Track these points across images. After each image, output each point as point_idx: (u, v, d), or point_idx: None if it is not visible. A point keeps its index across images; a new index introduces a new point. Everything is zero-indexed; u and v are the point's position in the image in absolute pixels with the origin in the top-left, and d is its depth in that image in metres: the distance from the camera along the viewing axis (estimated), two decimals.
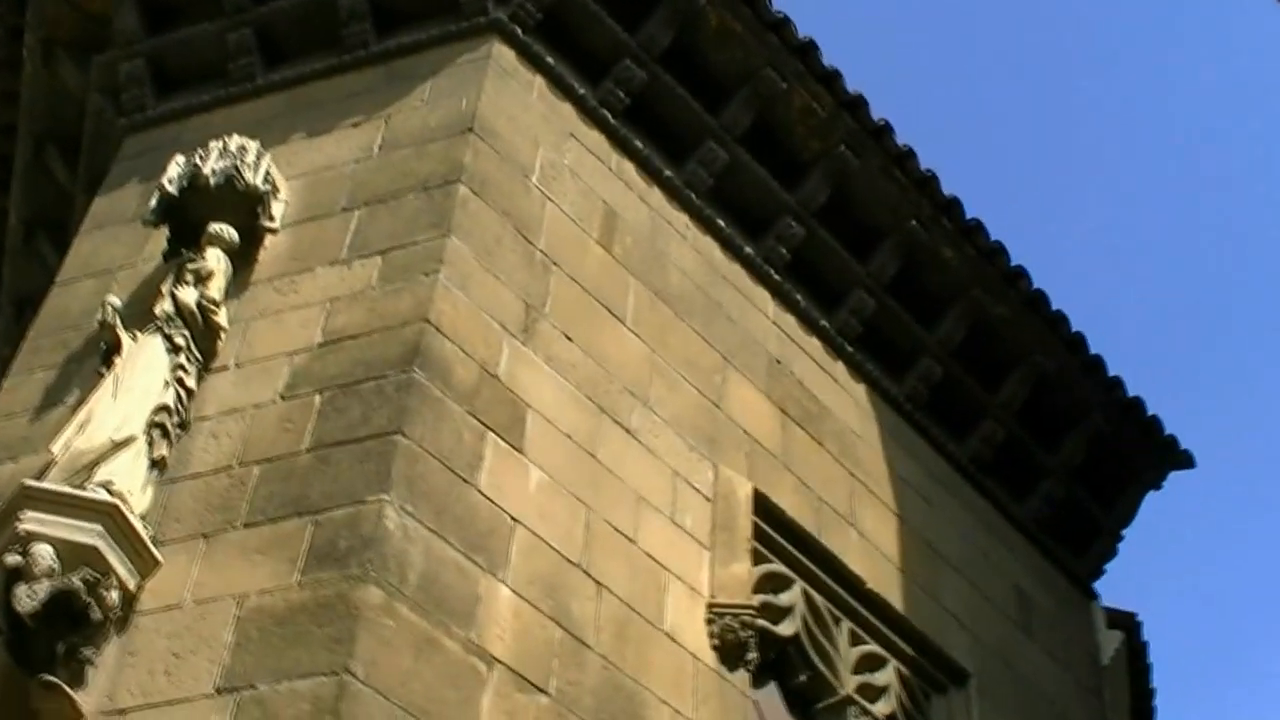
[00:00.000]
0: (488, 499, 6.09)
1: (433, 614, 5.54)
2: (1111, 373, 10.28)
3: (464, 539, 5.86)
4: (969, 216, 9.58)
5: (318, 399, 6.20)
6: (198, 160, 7.14)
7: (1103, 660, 10.06)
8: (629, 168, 8.25)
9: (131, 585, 5.62)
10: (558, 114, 7.99)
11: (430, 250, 6.67)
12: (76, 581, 5.38)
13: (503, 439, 6.34)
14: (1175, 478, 10.70)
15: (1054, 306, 9.98)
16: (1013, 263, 9.77)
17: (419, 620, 5.48)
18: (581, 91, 8.18)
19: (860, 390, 9.09)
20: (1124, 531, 10.55)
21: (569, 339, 7.05)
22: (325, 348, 6.43)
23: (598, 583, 6.41)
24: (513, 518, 6.16)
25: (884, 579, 8.21)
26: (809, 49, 8.89)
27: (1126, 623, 10.51)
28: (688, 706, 6.51)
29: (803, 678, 7.55)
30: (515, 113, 7.66)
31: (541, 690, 5.83)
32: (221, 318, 6.65)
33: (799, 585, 7.67)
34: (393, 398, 6.05)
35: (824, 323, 9.02)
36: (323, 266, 6.87)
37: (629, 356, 7.37)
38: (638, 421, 7.17)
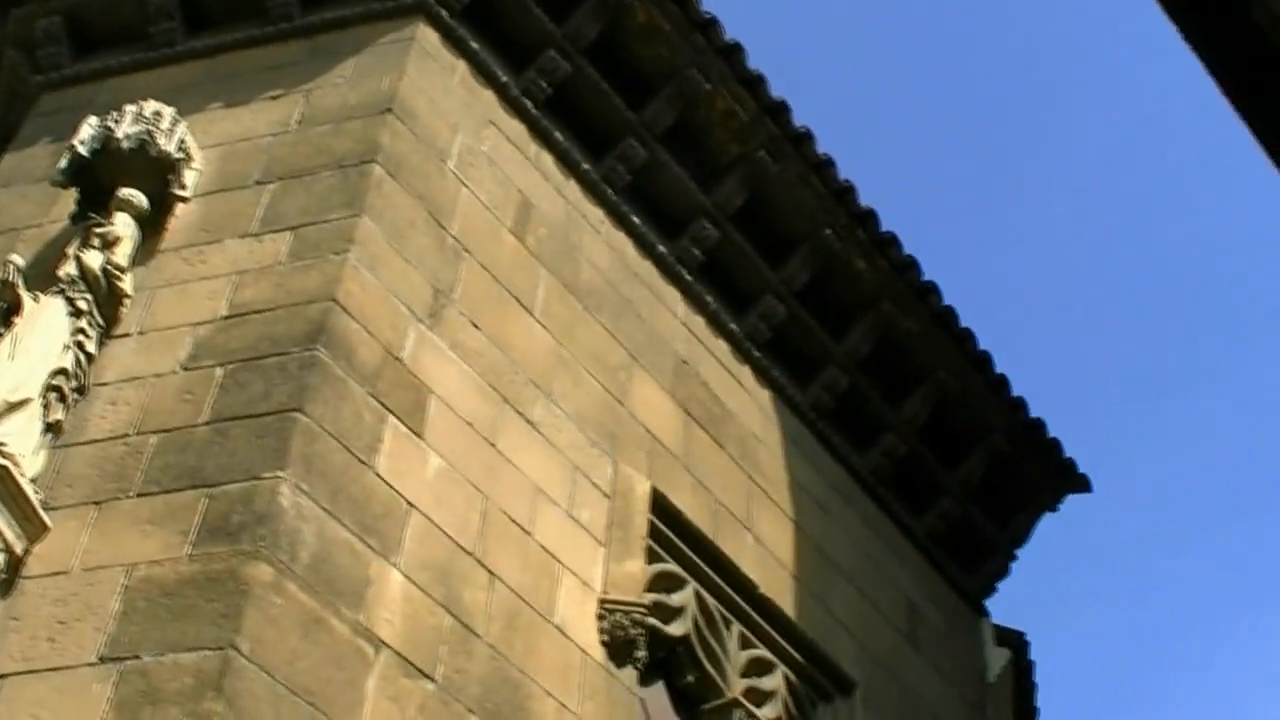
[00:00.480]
0: (385, 482, 6.06)
1: (322, 594, 5.50)
2: (1015, 394, 10.40)
3: (358, 521, 5.82)
4: (884, 229, 9.66)
5: (219, 372, 6.13)
6: (112, 123, 7.03)
7: (989, 677, 10.16)
8: (547, 159, 8.24)
9: (18, 549, 5.54)
10: (479, 100, 7.96)
11: (341, 229, 6.62)
12: None
13: (403, 423, 6.31)
14: (1072, 501, 10.86)
15: (962, 324, 10.08)
16: (924, 278, 9.86)
17: (308, 600, 5.44)
18: (504, 79, 8.15)
19: (765, 395, 9.13)
20: (1018, 551, 10.68)
21: (476, 327, 7.02)
22: (230, 321, 6.37)
23: (490, 572, 6.39)
24: (409, 502, 6.13)
25: (777, 584, 8.26)
26: (734, 51, 8.92)
27: (1015, 641, 10.62)
28: (574, 701, 6.51)
29: (690, 678, 7.56)
30: (436, 96, 7.63)
31: (428, 677, 5.81)
32: (126, 284, 6.55)
33: (692, 586, 7.69)
34: (295, 375, 6.00)
35: (733, 326, 9.06)
36: (232, 239, 6.79)
37: (535, 348, 7.35)
38: (540, 414, 7.16)
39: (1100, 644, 43.88)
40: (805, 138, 9.26)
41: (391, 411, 6.27)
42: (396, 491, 6.09)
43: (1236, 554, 43.56)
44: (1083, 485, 10.68)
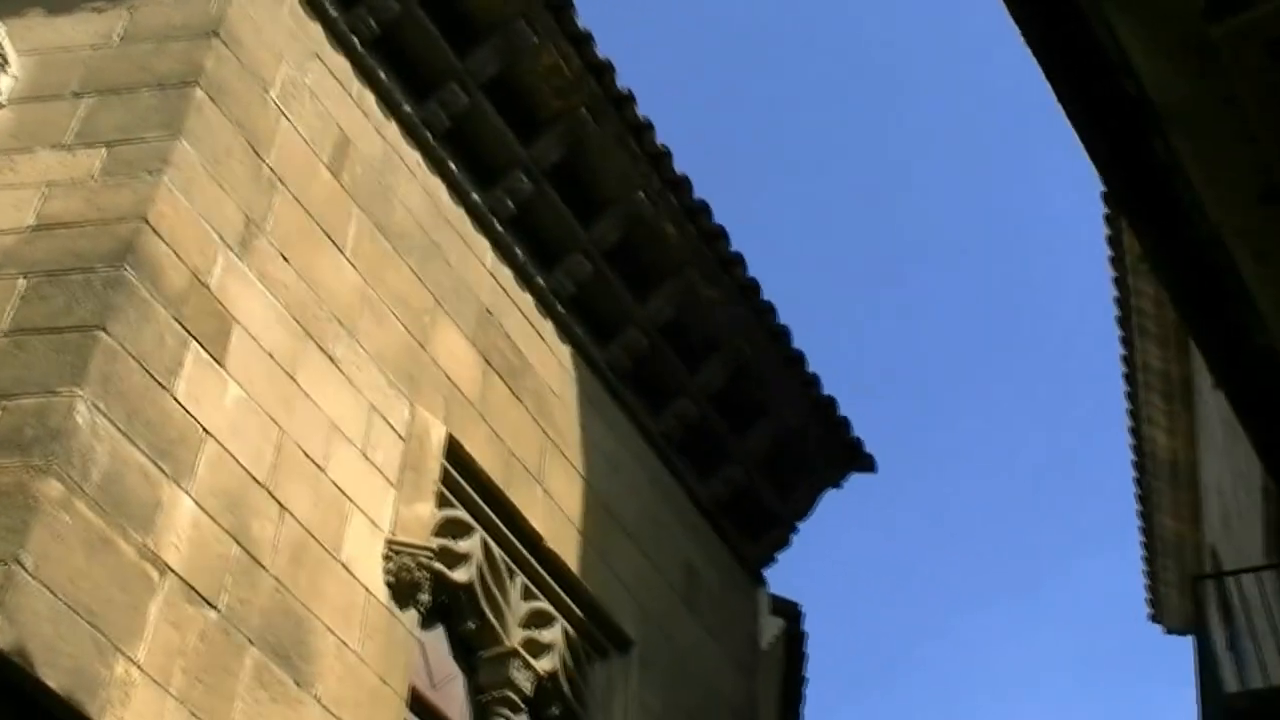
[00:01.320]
0: (182, 407, 6.00)
1: (111, 515, 5.45)
2: (810, 370, 10.65)
3: (152, 444, 5.77)
4: (696, 197, 9.80)
5: (22, 283, 5.99)
6: None
7: (761, 645, 10.43)
8: (369, 98, 8.18)
9: None
10: (306, 32, 7.87)
11: (158, 150, 6.50)
12: None
13: (205, 349, 6.25)
14: (856, 479, 11.19)
15: (765, 298, 10.29)
16: (732, 249, 10.03)
17: (96, 519, 5.38)
18: (333, 14, 8.07)
19: (565, 351, 9.22)
20: (799, 524, 10.97)
21: (285, 259, 6.97)
22: (37, 232, 6.22)
23: (281, 505, 6.38)
24: (204, 429, 6.08)
25: (563, 539, 8.38)
26: (564, 7, 8.95)
27: (789, 611, 10.92)
28: (354, 639, 6.54)
29: (471, 625, 7.64)
30: (263, 24, 7.52)
31: (211, 605, 5.79)
32: None
33: (479, 534, 7.76)
34: (99, 293, 5.90)
35: (539, 280, 9.12)
36: (45, 149, 6.63)
37: (342, 285, 7.33)
38: (342, 351, 7.15)
39: (870, 619, 45.24)
40: (627, 100, 9.35)
41: (194, 337, 6.21)
42: (193, 417, 6.04)
43: (997, 551, 45.24)
44: (867, 465, 11.01)
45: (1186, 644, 10.91)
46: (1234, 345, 2.68)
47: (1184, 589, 15.95)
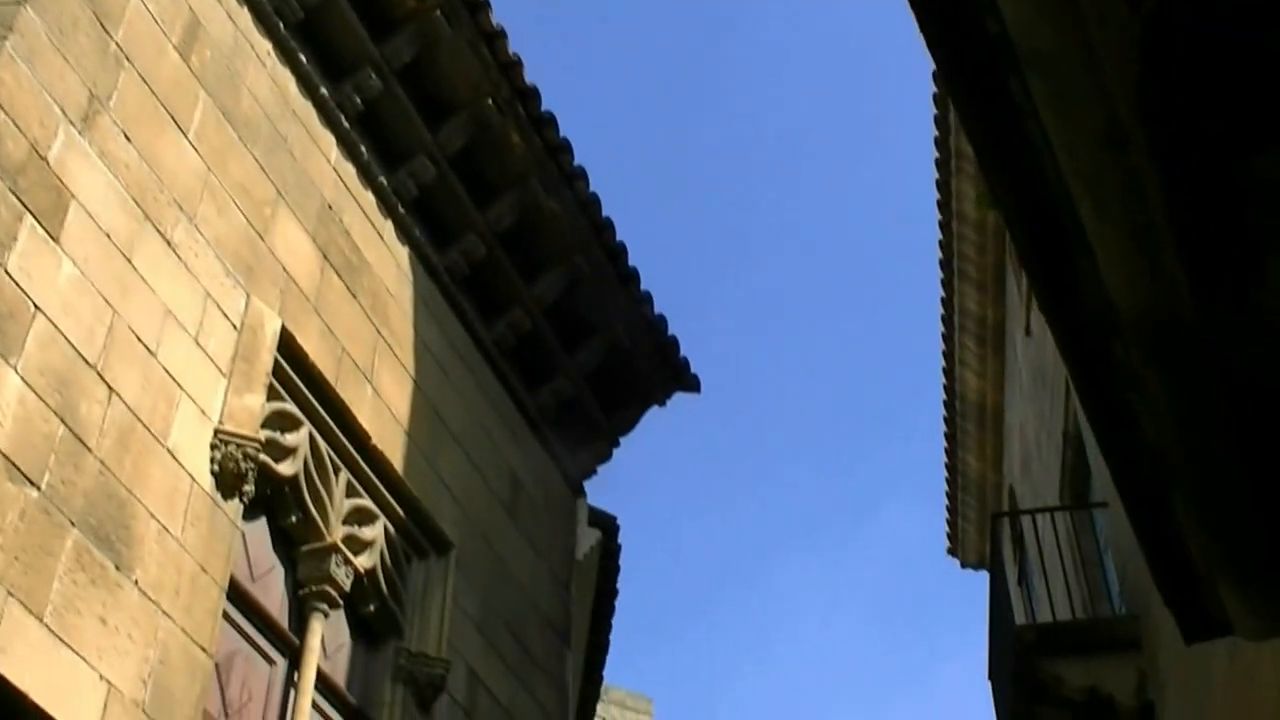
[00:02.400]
0: (13, 280, 5.87)
1: None
2: (644, 289, 10.78)
3: None
4: (544, 109, 9.81)
5: None
6: None
7: (578, 555, 10.60)
8: None
9: None
10: None
11: (1, 15, 6.31)
12: None
13: (40, 224, 6.12)
14: (680, 399, 11.38)
15: (605, 215, 10.36)
16: (575, 163, 10.08)
17: None
18: None
19: (404, 253, 9.20)
20: (622, 439, 11.13)
21: (128, 139, 6.83)
22: None
23: (110, 387, 6.30)
24: (35, 305, 5.96)
25: (389, 439, 8.40)
26: None
27: (606, 524, 11.10)
28: (176, 526, 6.51)
29: (293, 519, 7.65)
30: None
31: (33, 484, 5.71)
32: None
33: (307, 429, 7.75)
34: None
35: (382, 180, 9.07)
36: None
37: (184, 170, 7.21)
38: (180, 237, 7.05)
39: (685, 537, 45.93)
40: (482, 5, 9.30)
41: (29, 210, 6.06)
42: (24, 292, 5.92)
43: (814, 486, 46.21)
44: (692, 386, 11.20)
45: (981, 580, 11.35)
46: (1067, 287, 2.79)
47: (982, 526, 16.55)
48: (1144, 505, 2.77)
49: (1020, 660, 9.88)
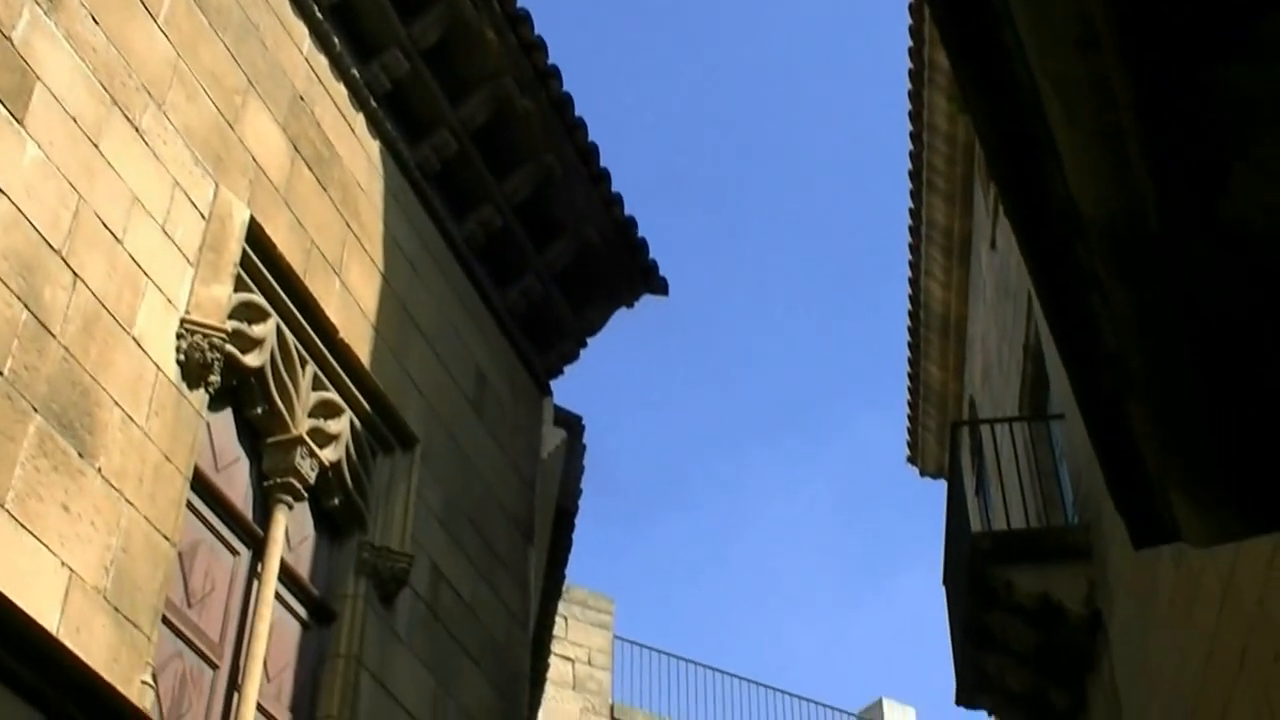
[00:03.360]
0: None
1: None
2: (614, 190, 10.75)
3: None
4: (519, 6, 9.72)
5: None
6: None
7: (543, 454, 10.66)
8: None
9: None
10: None
11: None
12: None
13: (4, 105, 6.05)
14: (648, 302, 11.41)
15: (577, 114, 10.31)
16: (549, 62, 10.01)
17: None
18: None
19: (375, 147, 9.15)
20: (590, 339, 11.16)
21: (95, 21, 6.74)
22: None
23: (75, 274, 6.27)
24: None
25: (357, 333, 8.40)
26: None
27: (572, 424, 11.15)
28: (141, 415, 6.51)
29: (259, 410, 7.65)
30: None
31: None
32: None
33: (274, 320, 7.74)
34: None
35: (355, 72, 8.99)
36: None
37: (154, 56, 7.13)
38: (149, 123, 6.98)
39: (650, 440, 46.13)
40: None
41: None
42: None
43: (780, 394, 46.41)
44: (660, 288, 11.22)
45: (940, 489, 11.49)
46: (1033, 190, 2.80)
47: (942, 436, 16.70)
48: (1100, 411, 2.81)
49: (974, 567, 10.04)
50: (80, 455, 6.06)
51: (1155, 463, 2.85)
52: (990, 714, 12.25)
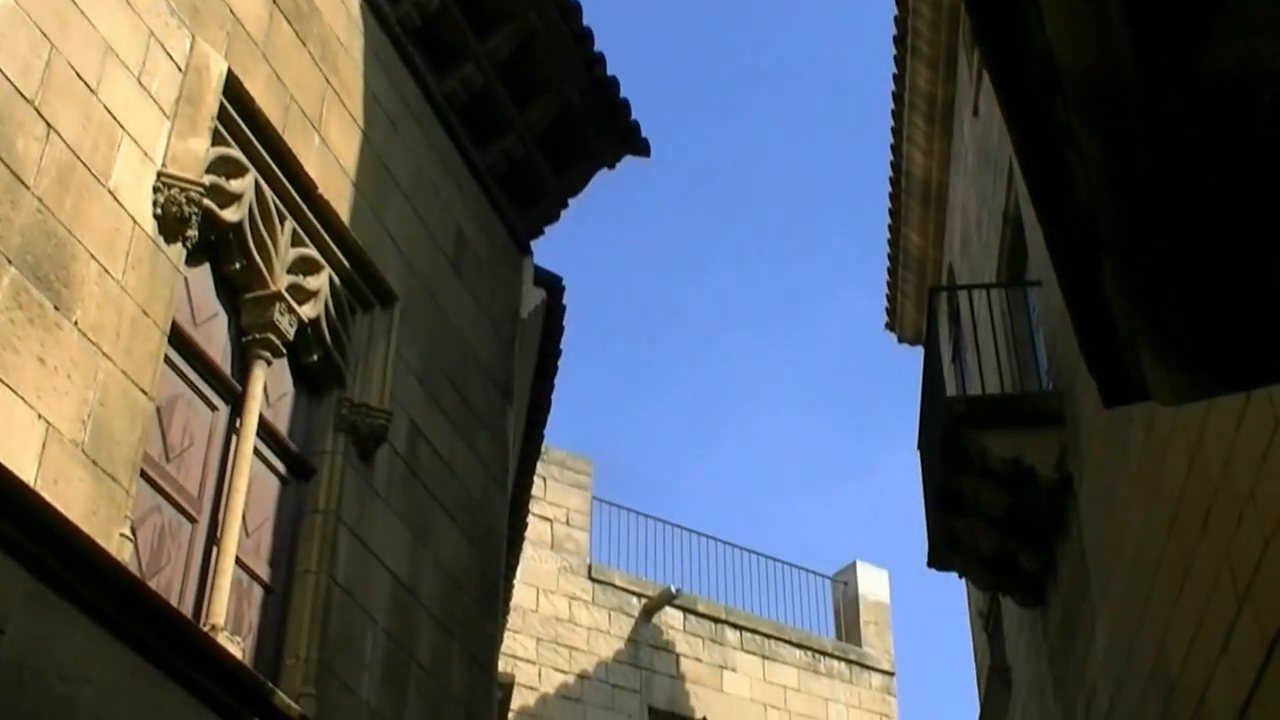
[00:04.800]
0: None
1: None
2: (596, 49, 10.63)
3: None
4: None
5: None
6: None
7: (522, 314, 10.67)
8: None
9: None
10: None
11: None
12: None
13: None
14: (629, 163, 11.33)
15: None
16: None
17: None
18: None
19: (355, 2, 9.02)
20: (570, 200, 11.11)
21: None
22: None
23: (49, 124, 6.21)
24: None
25: (336, 190, 8.35)
26: None
27: (551, 284, 11.15)
28: (117, 268, 6.49)
29: (237, 265, 7.63)
30: None
31: None
32: None
33: (252, 175, 7.68)
34: None
35: None
36: None
37: None
38: None
39: (631, 308, 46.21)
40: None
41: None
42: None
43: (764, 272, 46.36)
44: (641, 150, 11.15)
45: (922, 371, 11.55)
46: (1013, 41, 2.76)
47: (920, 303, 16.77)
48: (1072, 268, 2.82)
49: (948, 430, 10.14)
50: (56, 308, 6.05)
51: (1125, 320, 2.87)
52: (960, 576, 12.45)
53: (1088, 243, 2.74)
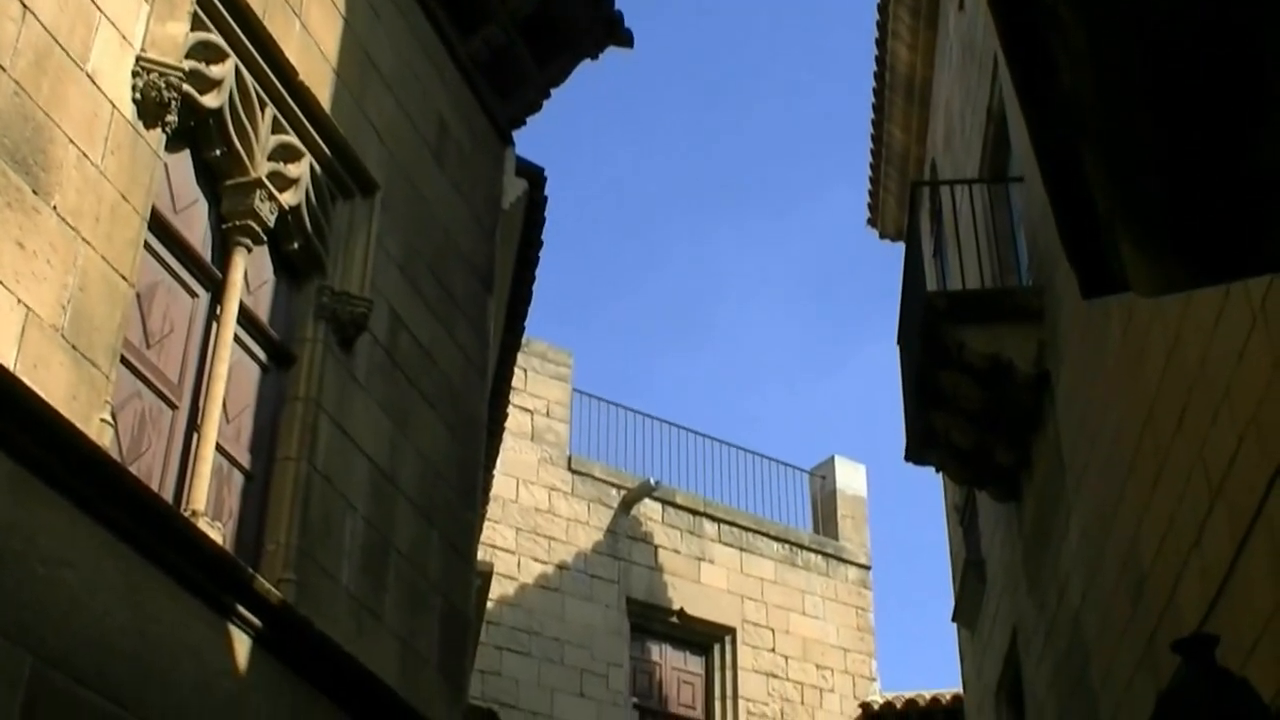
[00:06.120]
0: None
1: None
2: None
3: None
4: None
5: None
6: None
7: (504, 204, 10.62)
8: None
9: None
10: None
11: None
12: None
13: None
14: (613, 55, 11.24)
15: None
16: None
17: None
18: None
19: None
20: (553, 90, 11.02)
21: None
22: None
23: (24, 5, 6.11)
24: None
25: (317, 76, 8.28)
26: None
27: (533, 175, 11.08)
28: (96, 153, 6.44)
29: (218, 152, 7.57)
30: None
31: None
32: None
33: (232, 61, 7.60)
34: None
35: None
36: None
37: None
38: None
39: (615, 203, 46.04)
40: None
41: None
42: None
43: (750, 167, 46.15)
44: (625, 40, 11.04)
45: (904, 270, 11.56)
46: None
47: (903, 198, 16.75)
48: (1055, 155, 2.82)
49: (928, 325, 10.18)
50: (35, 192, 6.01)
51: (1106, 209, 2.88)
52: (937, 471, 12.55)
53: (1070, 130, 2.74)
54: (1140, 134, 2.70)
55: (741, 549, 20.96)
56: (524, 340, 14.82)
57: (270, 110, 7.93)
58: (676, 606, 19.81)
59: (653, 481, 20.18)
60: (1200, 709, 4.57)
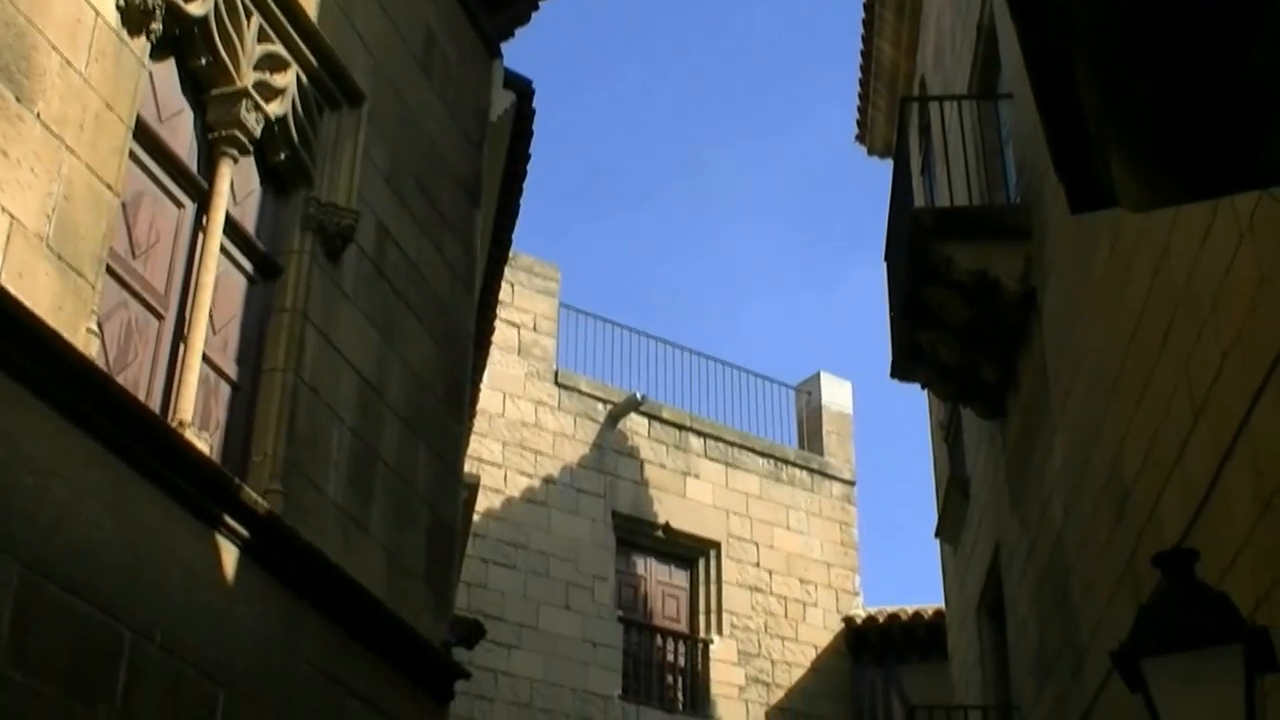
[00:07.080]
0: None
1: None
2: None
3: None
4: None
5: None
6: None
7: (491, 116, 10.54)
8: None
9: None
10: None
11: None
12: None
13: None
14: None
15: None
16: None
17: None
18: None
19: None
20: (541, 3, 10.90)
21: None
22: None
23: None
24: None
25: None
26: None
27: (521, 87, 10.98)
28: (80, 60, 6.38)
29: (203, 61, 7.50)
30: None
31: None
32: None
33: None
34: None
35: None
36: None
37: None
38: None
39: (605, 119, 45.82)
40: None
41: None
42: None
43: (744, 91, 45.85)
44: None
45: (887, 175, 11.52)
46: None
47: (891, 114, 16.66)
48: (1045, 68, 2.81)
49: (915, 241, 10.17)
50: (18, 100, 5.96)
51: (1096, 122, 2.87)
52: (923, 387, 12.60)
53: (1061, 41, 2.72)
54: (1132, 42, 2.68)
55: (727, 464, 21.04)
56: (511, 254, 14.78)
57: (256, 19, 7.85)
58: (662, 521, 19.92)
59: (639, 396, 20.21)
60: (1179, 621, 4.62)
